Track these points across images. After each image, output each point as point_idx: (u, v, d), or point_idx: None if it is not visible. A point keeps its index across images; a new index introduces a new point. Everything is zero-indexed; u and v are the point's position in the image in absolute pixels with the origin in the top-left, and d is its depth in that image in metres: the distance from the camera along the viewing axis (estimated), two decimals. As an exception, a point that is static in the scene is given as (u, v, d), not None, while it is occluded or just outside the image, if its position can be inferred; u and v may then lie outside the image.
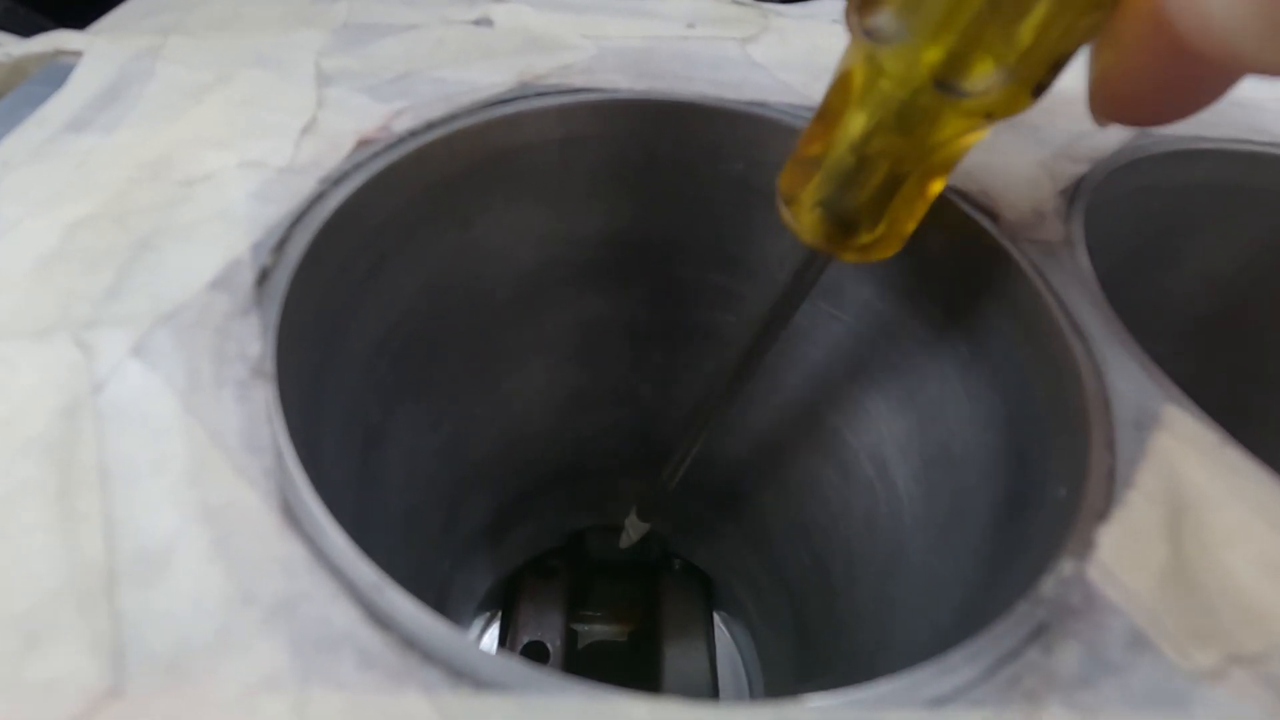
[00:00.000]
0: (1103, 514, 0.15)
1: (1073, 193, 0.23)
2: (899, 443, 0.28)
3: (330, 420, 0.21)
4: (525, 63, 0.26)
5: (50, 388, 0.15)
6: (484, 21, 0.29)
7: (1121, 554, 0.14)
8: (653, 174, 0.28)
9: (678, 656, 0.47)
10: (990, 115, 0.15)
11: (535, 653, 0.46)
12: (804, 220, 0.18)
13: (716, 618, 0.51)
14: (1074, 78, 0.30)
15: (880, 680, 0.12)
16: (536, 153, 0.26)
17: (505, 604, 0.49)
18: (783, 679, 0.42)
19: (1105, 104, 0.16)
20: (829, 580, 0.35)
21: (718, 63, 0.28)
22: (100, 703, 0.11)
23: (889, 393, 0.28)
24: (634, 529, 0.39)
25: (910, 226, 0.18)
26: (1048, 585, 0.13)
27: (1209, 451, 0.16)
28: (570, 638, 0.48)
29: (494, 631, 0.49)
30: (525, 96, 0.25)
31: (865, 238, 0.18)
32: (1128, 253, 0.27)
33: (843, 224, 0.18)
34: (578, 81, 0.26)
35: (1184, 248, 0.28)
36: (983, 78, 0.14)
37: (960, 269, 0.23)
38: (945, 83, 0.14)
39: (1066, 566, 0.14)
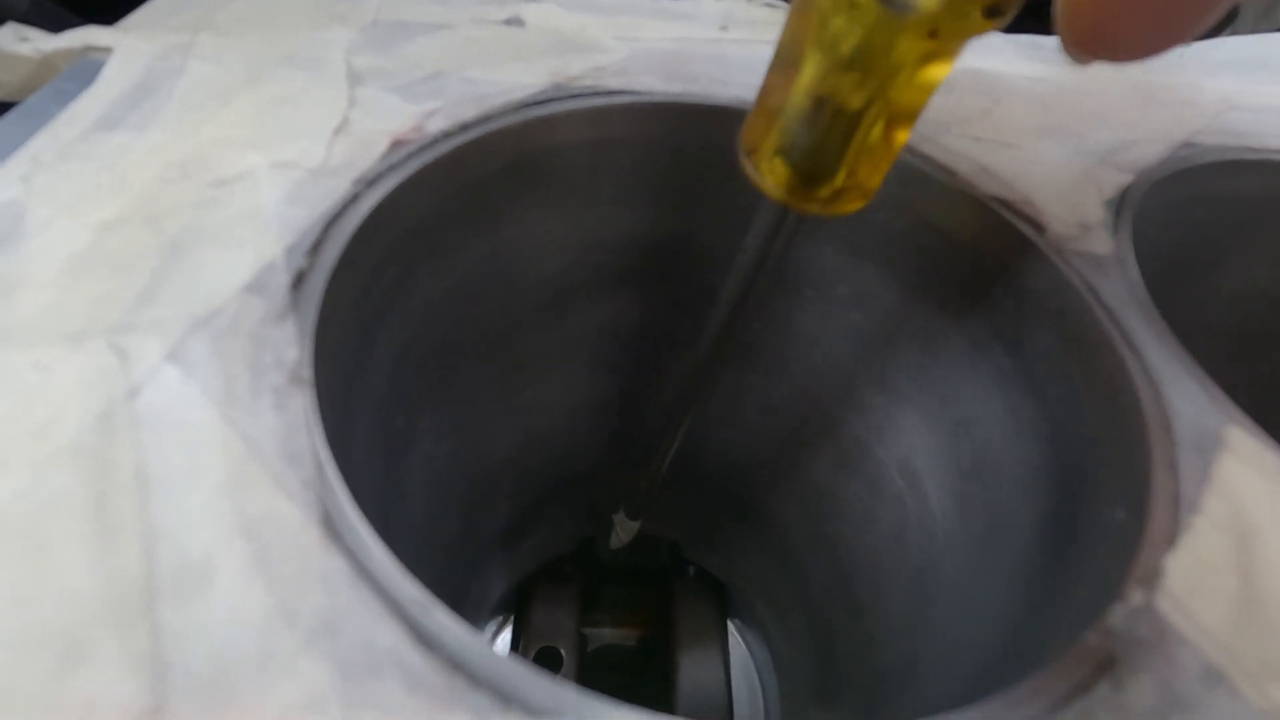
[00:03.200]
0: (1170, 540, 0.14)
1: (1119, 203, 0.23)
2: (931, 456, 0.27)
3: (360, 428, 0.20)
4: (558, 64, 0.26)
5: (85, 393, 0.14)
6: (515, 21, 0.28)
7: (1191, 583, 0.14)
8: (682, 177, 0.27)
9: (692, 665, 0.47)
10: (935, 33, 0.14)
11: (548, 659, 0.45)
12: (764, 170, 0.17)
13: (731, 626, 0.50)
14: (1112, 82, 0.30)
15: (949, 713, 0.12)
16: (568, 155, 0.25)
17: (518, 609, 0.48)
18: (801, 690, 0.42)
19: (1074, 35, 0.15)
20: (853, 594, 0.34)
21: (752, 65, 0.27)
22: (141, 725, 0.10)
23: (921, 404, 0.28)
24: (623, 528, 0.38)
25: (876, 180, 0.17)
26: (1116, 615, 0.13)
27: (1274, 476, 0.16)
28: (582, 643, 0.48)
29: (506, 636, 0.49)
30: (559, 98, 0.24)
31: (826, 189, 0.17)
32: (1172, 262, 0.26)
33: (804, 174, 0.17)
34: (611, 84, 0.25)
35: (1229, 258, 0.27)
36: None
37: (1005, 281, 0.22)
38: None
39: (1135, 596, 0.13)
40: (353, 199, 0.19)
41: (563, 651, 0.46)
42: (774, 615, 0.45)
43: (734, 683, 0.47)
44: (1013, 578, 0.21)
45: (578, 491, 0.44)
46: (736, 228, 0.29)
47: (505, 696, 0.11)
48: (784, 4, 0.31)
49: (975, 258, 0.23)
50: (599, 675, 0.47)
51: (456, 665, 0.11)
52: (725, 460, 0.41)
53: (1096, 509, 0.17)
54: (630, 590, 0.51)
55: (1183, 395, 0.17)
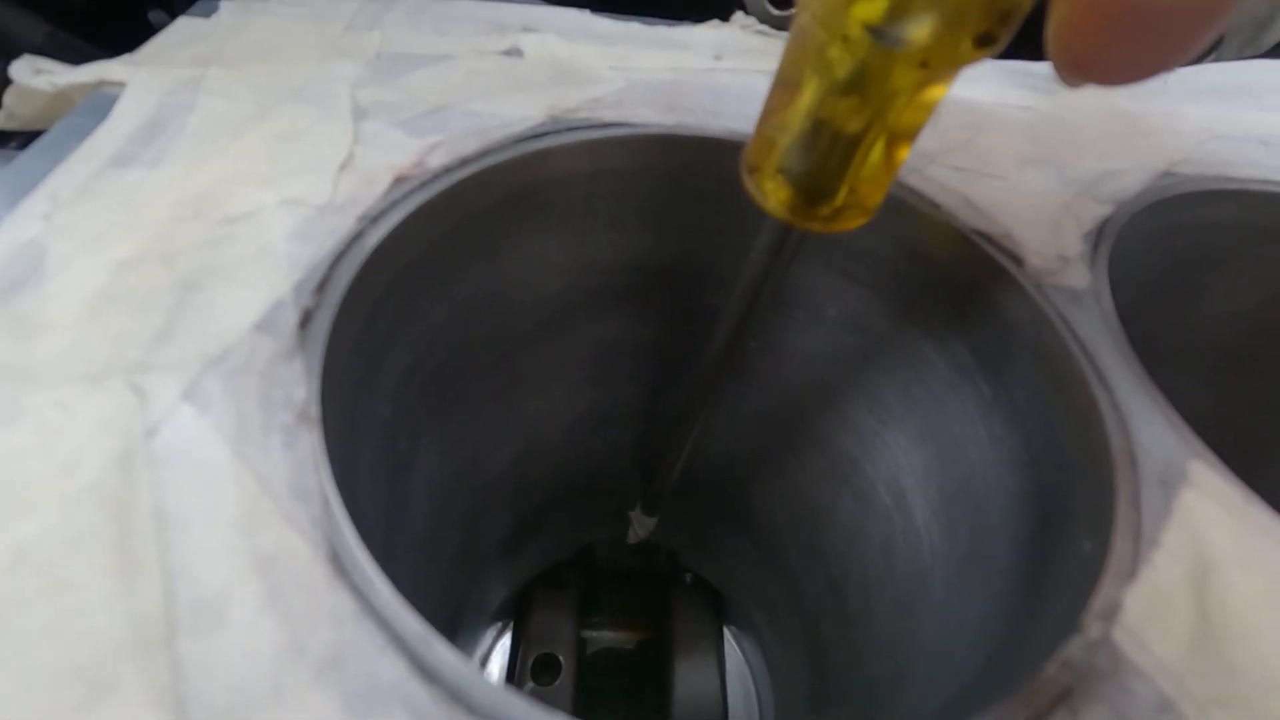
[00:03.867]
0: (1130, 574, 0.15)
1: (1096, 236, 0.24)
2: (917, 475, 0.28)
3: (364, 454, 0.21)
4: (555, 96, 0.27)
5: (106, 433, 0.15)
6: (514, 52, 0.29)
7: (1148, 617, 0.14)
8: (678, 205, 0.28)
9: (688, 670, 0.48)
10: (927, 64, 0.14)
11: (547, 665, 0.46)
12: (766, 189, 0.18)
13: (727, 632, 0.51)
14: (1097, 110, 0.30)
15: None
16: (566, 186, 0.26)
17: (517, 615, 0.49)
18: (794, 697, 0.43)
19: (1066, 58, 0.15)
20: (845, 605, 0.35)
21: (746, 95, 0.28)
22: (165, 757, 0.11)
23: (909, 426, 0.29)
24: (640, 524, 0.39)
25: (877, 197, 0.18)
26: (1075, 647, 0.14)
27: (1235, 510, 0.16)
28: (581, 649, 0.48)
29: (506, 642, 0.49)
30: (556, 131, 0.25)
31: (827, 207, 0.17)
32: (1151, 288, 0.27)
33: (805, 192, 0.17)
34: (607, 116, 0.26)
35: (1207, 285, 0.28)
36: (916, 24, 0.14)
37: (986, 312, 0.23)
38: (878, 29, 0.14)
39: (1094, 629, 0.14)
40: (357, 236, 0.20)
41: (561, 658, 0.47)
42: (769, 622, 0.46)
43: (729, 688, 0.48)
44: (993, 599, 0.22)
45: (577, 501, 0.45)
46: (730, 251, 0.30)
47: (501, 727, 0.12)
48: (776, 32, 0.32)
49: (958, 287, 0.24)
50: (596, 680, 0.48)
51: (456, 696, 0.12)
52: (723, 471, 0.41)
53: (1067, 539, 0.17)
54: (628, 597, 0.52)
55: (1149, 429, 0.18)
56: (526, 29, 0.30)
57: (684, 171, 0.27)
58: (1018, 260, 0.22)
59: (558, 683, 0.45)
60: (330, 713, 0.12)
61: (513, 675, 0.47)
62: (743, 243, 0.29)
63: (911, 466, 0.29)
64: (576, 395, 0.37)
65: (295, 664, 0.12)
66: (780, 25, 0.37)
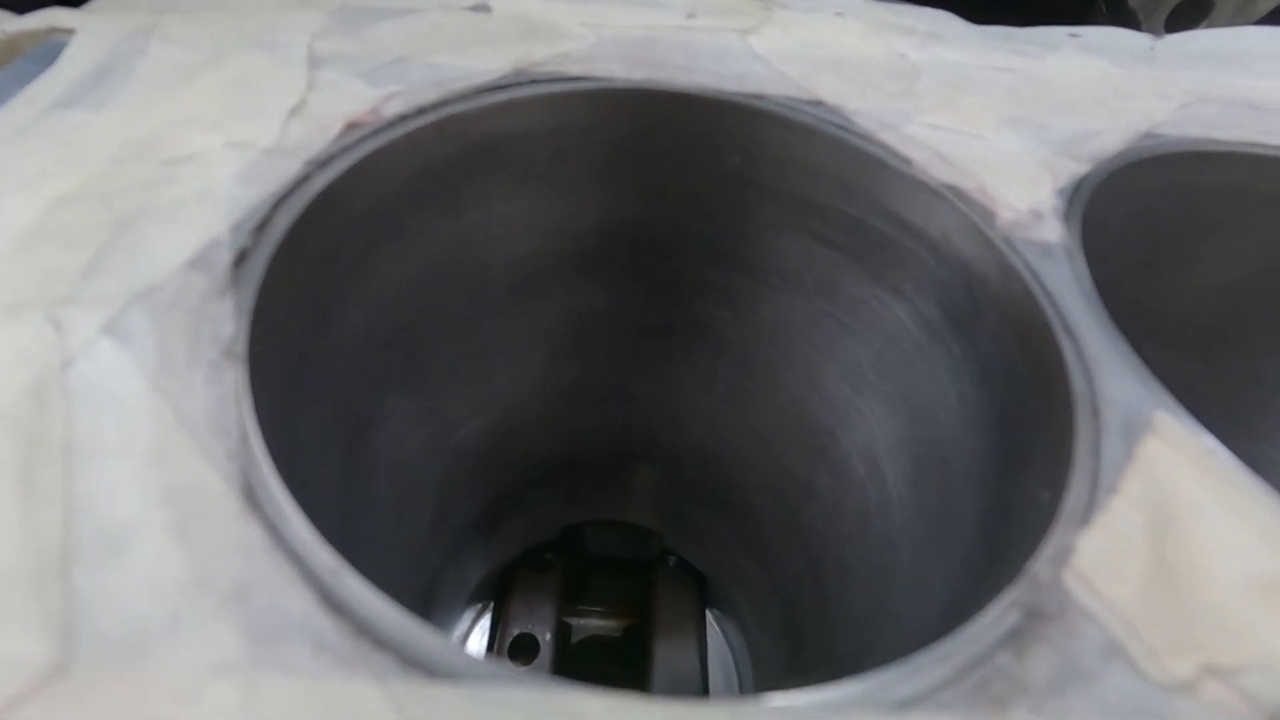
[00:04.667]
0: (1084, 519, 0.14)
1: (1072, 192, 0.23)
2: (889, 444, 0.28)
3: (313, 406, 0.21)
4: (522, 50, 0.26)
5: (19, 364, 0.14)
6: (482, 7, 0.28)
7: (1101, 562, 0.14)
8: (649, 165, 0.27)
9: (669, 653, 0.47)
10: None
11: (525, 645, 0.45)
12: None
13: (710, 615, 0.51)
14: (1081, 73, 0.29)
15: (846, 681, 0.12)
16: (530, 141, 0.25)
17: (498, 596, 0.49)
18: (774, 679, 0.42)
19: None
20: (823, 585, 0.34)
21: (719, 54, 0.27)
22: (44, 681, 0.11)
23: (882, 393, 0.28)
24: None
25: None
26: (1022, 591, 0.13)
27: (1200, 459, 0.16)
28: (562, 631, 0.48)
29: (487, 622, 0.49)
30: (519, 84, 0.24)
31: None
32: (1134, 254, 0.26)
33: None
34: (574, 70, 0.25)
35: (1191, 251, 0.27)
36: None
37: (956, 268, 0.22)
38: None
39: (1044, 572, 0.13)
40: (303, 179, 0.19)
41: (540, 638, 0.46)
42: (750, 605, 0.46)
43: (711, 671, 0.47)
44: (960, 562, 0.21)
45: (558, 480, 0.45)
46: (700, 213, 0.29)
47: (408, 659, 0.11)
48: (755, -7, 0.31)
49: (930, 245, 0.23)
50: (575, 661, 0.47)
51: (363, 629, 0.12)
52: (702, 452, 0.41)
53: (1027, 490, 0.17)
54: (612, 579, 0.51)
55: (1115, 381, 0.17)
56: (498, -14, 0.29)
57: (654, 129, 0.26)
58: (989, 214, 0.22)
59: (535, 662, 0.45)
60: (229, 644, 0.11)
61: (491, 654, 0.46)
62: (714, 208, 0.29)
63: (884, 435, 0.28)
64: (554, 368, 0.36)
65: (197, 596, 0.12)
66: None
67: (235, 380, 0.15)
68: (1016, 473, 0.18)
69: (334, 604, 0.12)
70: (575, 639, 0.49)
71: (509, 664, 0.12)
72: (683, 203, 0.29)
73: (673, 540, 0.50)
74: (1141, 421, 0.16)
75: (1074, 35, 0.33)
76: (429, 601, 0.39)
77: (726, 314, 0.33)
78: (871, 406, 0.28)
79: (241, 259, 0.17)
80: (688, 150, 0.27)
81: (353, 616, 0.12)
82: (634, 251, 0.31)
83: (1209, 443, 0.16)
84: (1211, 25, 0.36)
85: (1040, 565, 0.14)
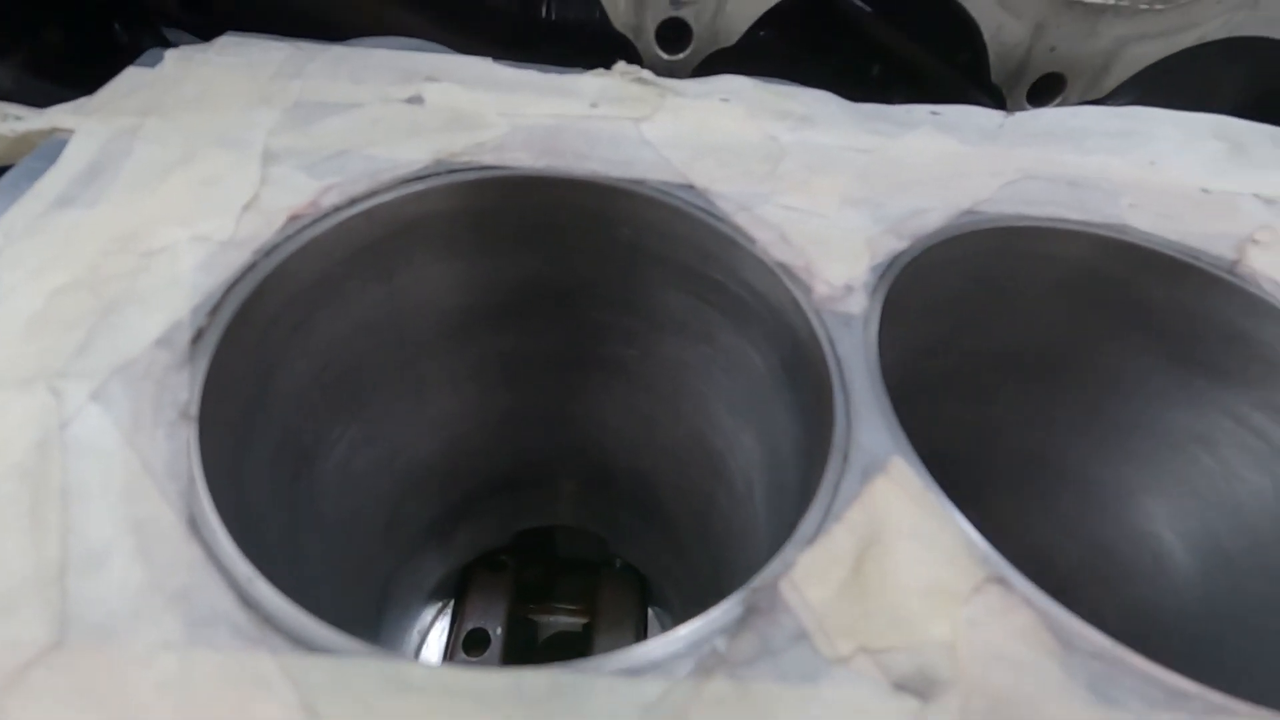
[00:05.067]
0: (809, 540, 0.20)
1: (884, 268, 0.28)
2: (758, 468, 0.33)
3: (261, 448, 0.26)
4: (444, 141, 0.31)
5: (29, 425, 0.20)
6: (416, 99, 0.34)
7: (811, 572, 0.19)
8: (555, 236, 0.33)
9: (608, 646, 0.52)
10: None
11: (477, 639, 0.51)
12: None
13: (651, 612, 0.56)
14: (932, 154, 0.34)
15: (597, 657, 0.17)
16: (448, 220, 0.31)
17: (457, 594, 0.54)
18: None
19: None
20: (723, 588, 0.40)
21: (614, 141, 0.33)
22: (46, 652, 0.16)
23: (753, 426, 0.33)
24: None
25: None
26: (746, 593, 0.18)
27: (913, 495, 0.21)
28: (512, 625, 0.53)
29: (445, 620, 0.54)
30: (437, 174, 0.30)
31: None
32: (939, 319, 0.31)
33: None
34: (487, 159, 0.31)
35: (990, 314, 0.32)
36: None
37: (786, 331, 0.27)
38: None
39: (766, 580, 0.19)
40: (251, 267, 0.25)
41: (491, 632, 0.51)
42: (681, 603, 0.51)
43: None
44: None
45: (505, 492, 0.50)
46: (605, 271, 0.34)
47: (295, 639, 0.17)
48: (653, 80, 0.36)
49: (770, 310, 0.28)
50: (525, 654, 0.52)
51: (267, 619, 0.17)
52: (629, 468, 0.46)
53: (787, 516, 0.22)
54: (562, 579, 0.57)
55: (869, 431, 0.22)
56: (430, 78, 0.34)
57: (556, 209, 0.31)
58: (808, 289, 0.27)
59: (485, 654, 0.50)
60: (174, 629, 0.17)
61: (449, 649, 0.51)
62: (615, 268, 0.34)
63: (755, 461, 0.33)
64: (490, 398, 0.42)
65: (153, 597, 0.17)
66: (669, 70, 0.41)
67: (188, 436, 0.20)
68: (789, 500, 0.23)
69: (248, 602, 0.17)
70: (526, 632, 0.54)
71: (369, 644, 0.17)
72: (587, 265, 0.34)
73: (615, 544, 0.56)
74: (879, 465, 0.22)
75: (935, 113, 0.38)
76: (385, 598, 0.44)
77: (633, 352, 0.38)
78: (748, 436, 0.34)
79: (198, 337, 0.22)
80: (587, 224, 0.32)
81: (260, 610, 0.17)
82: (549, 302, 0.36)
83: (924, 482, 0.21)
84: (1065, 101, 0.42)
85: (765, 575, 0.19)
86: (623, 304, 0.35)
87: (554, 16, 0.43)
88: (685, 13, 0.38)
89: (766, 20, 0.42)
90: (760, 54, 0.43)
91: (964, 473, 0.27)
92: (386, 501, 0.40)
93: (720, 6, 0.38)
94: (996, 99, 0.42)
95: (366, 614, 0.40)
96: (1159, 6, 0.37)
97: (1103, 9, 0.38)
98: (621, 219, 0.32)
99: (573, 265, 0.34)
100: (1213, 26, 0.38)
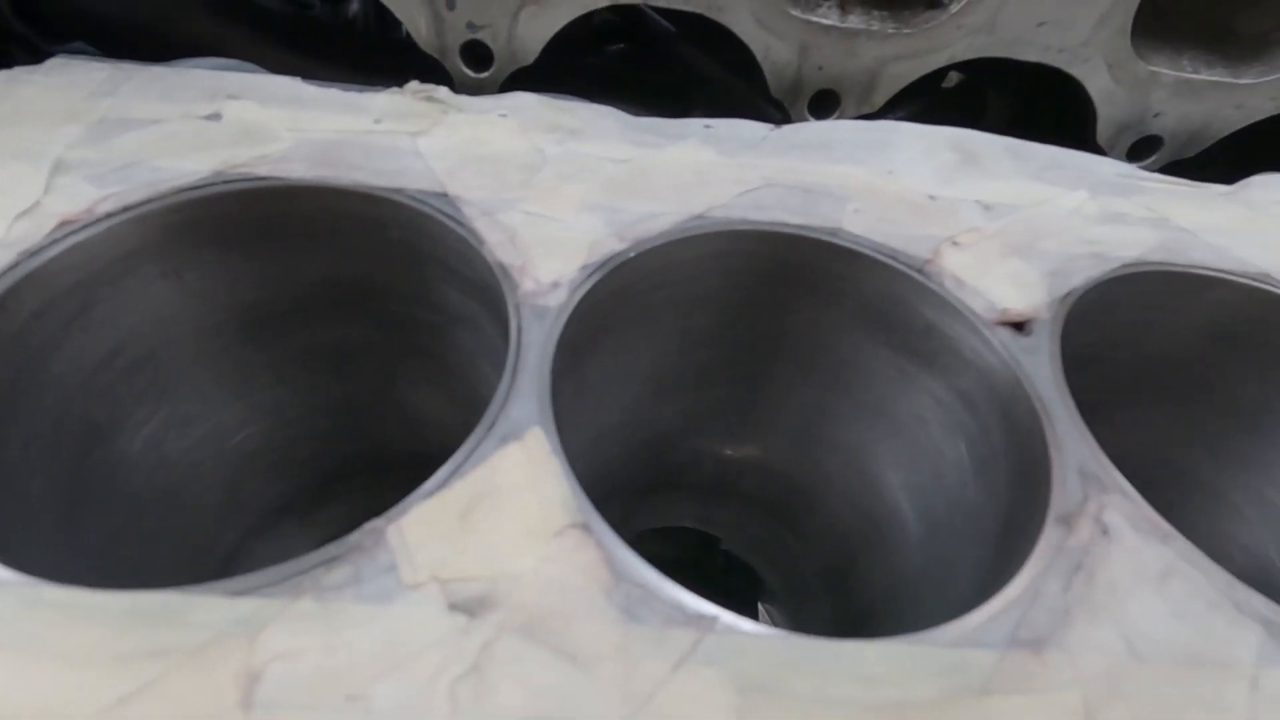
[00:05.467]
0: (430, 494, 0.24)
1: (596, 267, 0.32)
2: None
3: (28, 428, 0.30)
4: (230, 154, 0.35)
5: None
6: (215, 116, 0.37)
7: (420, 519, 0.23)
8: (339, 237, 0.36)
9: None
10: None
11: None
12: None
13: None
14: (684, 163, 0.38)
15: (212, 583, 0.21)
16: (230, 224, 0.34)
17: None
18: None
19: None
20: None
21: (389, 154, 0.37)
22: None
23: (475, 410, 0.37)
24: None
25: None
26: (356, 535, 0.22)
27: (539, 459, 0.25)
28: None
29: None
30: (212, 184, 0.33)
31: None
32: (629, 309, 0.35)
33: None
34: (264, 170, 0.34)
35: (701, 307, 0.37)
36: None
37: (504, 319, 0.31)
38: None
39: (378, 524, 0.23)
40: (13, 266, 0.29)
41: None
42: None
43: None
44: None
45: (362, 476, 0.54)
46: (391, 269, 0.38)
47: None
48: (444, 99, 0.40)
49: (498, 300, 0.32)
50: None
51: None
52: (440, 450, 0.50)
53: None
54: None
55: (522, 405, 0.26)
56: (233, 96, 0.38)
57: (326, 215, 0.35)
58: (516, 286, 0.31)
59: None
60: None
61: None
62: (399, 266, 0.38)
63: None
64: (322, 385, 0.45)
65: None
66: (477, 88, 0.45)
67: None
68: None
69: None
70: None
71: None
72: (376, 263, 0.38)
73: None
74: (517, 434, 0.26)
75: (707, 126, 0.42)
76: (230, 566, 0.48)
77: (436, 344, 0.42)
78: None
79: (-52, 327, 0.26)
80: (362, 227, 0.36)
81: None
82: (357, 296, 0.40)
83: (552, 447, 0.25)
84: (842, 115, 0.46)
85: (377, 521, 0.23)
86: (415, 298, 0.39)
87: (384, 39, 0.47)
88: (482, 35, 0.42)
89: (578, 40, 0.46)
90: (570, 73, 0.47)
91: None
92: (218, 480, 0.44)
93: (512, 30, 0.42)
94: (784, 113, 0.46)
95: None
96: (906, 31, 0.42)
97: (856, 32, 0.42)
98: (388, 222, 0.35)
99: (365, 263, 0.38)
100: (960, 48, 0.42)
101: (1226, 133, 0.46)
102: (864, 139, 0.42)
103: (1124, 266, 0.36)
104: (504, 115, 0.40)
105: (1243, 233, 0.40)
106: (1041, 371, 0.31)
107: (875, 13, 0.43)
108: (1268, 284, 0.37)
